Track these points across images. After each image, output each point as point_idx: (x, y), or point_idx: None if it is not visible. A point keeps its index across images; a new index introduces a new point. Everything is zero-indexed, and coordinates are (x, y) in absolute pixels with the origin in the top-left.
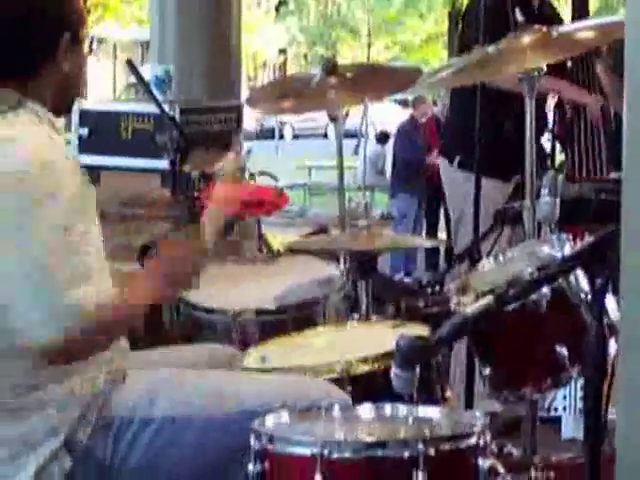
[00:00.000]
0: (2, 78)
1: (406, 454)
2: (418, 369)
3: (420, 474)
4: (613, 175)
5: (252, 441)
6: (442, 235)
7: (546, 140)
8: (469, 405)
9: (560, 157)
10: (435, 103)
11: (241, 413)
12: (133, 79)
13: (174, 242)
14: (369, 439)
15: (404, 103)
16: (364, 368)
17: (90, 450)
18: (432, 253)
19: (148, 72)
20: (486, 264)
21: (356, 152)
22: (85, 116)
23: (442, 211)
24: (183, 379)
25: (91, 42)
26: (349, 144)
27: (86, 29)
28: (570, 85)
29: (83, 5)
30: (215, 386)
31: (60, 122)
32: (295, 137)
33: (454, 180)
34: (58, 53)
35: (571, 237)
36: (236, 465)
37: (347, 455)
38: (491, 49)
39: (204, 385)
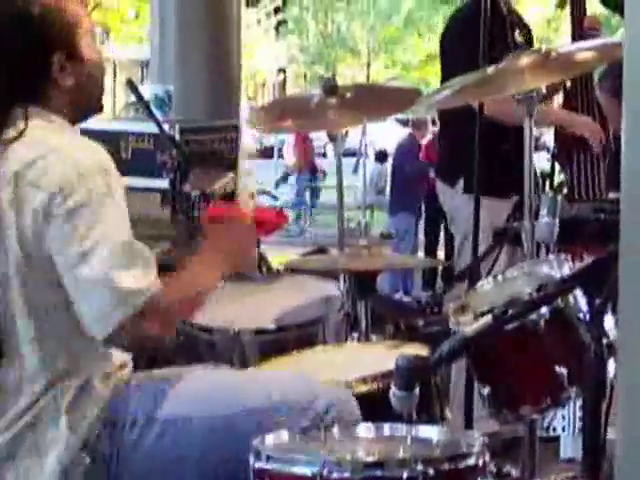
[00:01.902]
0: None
1: (405, 474)
2: (417, 389)
3: None
4: (612, 195)
5: (252, 460)
6: (441, 254)
7: (546, 160)
8: (468, 425)
9: (559, 177)
10: (434, 123)
11: (244, 412)
12: (133, 98)
13: (219, 226)
14: (368, 459)
15: (404, 122)
16: (363, 388)
17: (97, 450)
18: (430, 271)
19: (148, 91)
20: (485, 284)
21: (355, 171)
22: (84, 135)
23: (442, 229)
24: (186, 380)
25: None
26: (348, 163)
27: (86, 37)
28: (567, 115)
29: (77, 14)
30: (218, 386)
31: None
32: None
33: (458, 204)
34: (52, 73)
35: (570, 257)
36: (241, 464)
37: (346, 475)
38: (490, 70)
39: (207, 386)
